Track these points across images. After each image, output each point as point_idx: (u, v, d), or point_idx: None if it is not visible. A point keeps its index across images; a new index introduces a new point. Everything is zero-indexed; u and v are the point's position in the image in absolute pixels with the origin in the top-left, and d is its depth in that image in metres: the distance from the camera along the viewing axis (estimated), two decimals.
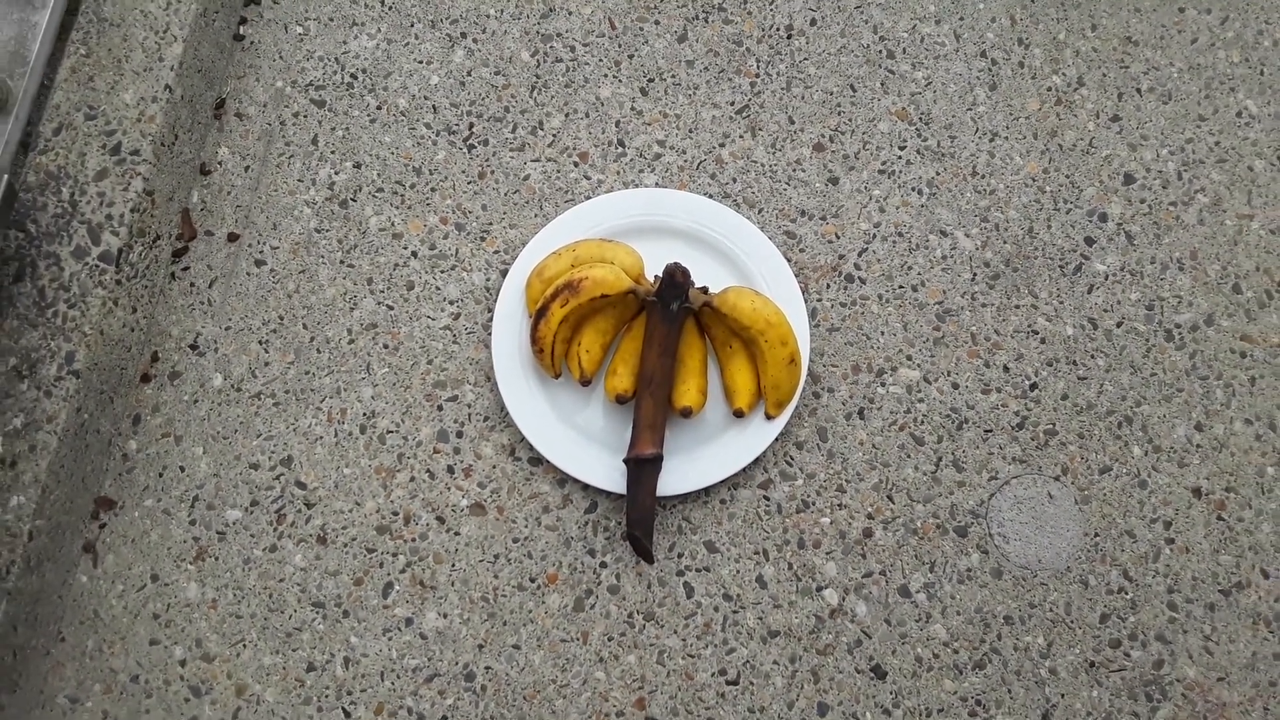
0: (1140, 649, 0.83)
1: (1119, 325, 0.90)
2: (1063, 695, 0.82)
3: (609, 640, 0.83)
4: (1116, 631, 0.83)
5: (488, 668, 0.82)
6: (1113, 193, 0.93)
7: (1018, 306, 0.90)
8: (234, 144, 0.94)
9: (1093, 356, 0.89)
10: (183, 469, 0.86)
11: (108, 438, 0.86)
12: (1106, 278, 0.91)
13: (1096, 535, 0.85)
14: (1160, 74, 0.96)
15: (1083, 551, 0.85)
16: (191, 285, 0.90)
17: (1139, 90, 0.96)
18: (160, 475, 0.86)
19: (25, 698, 0.81)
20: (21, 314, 0.83)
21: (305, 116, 0.94)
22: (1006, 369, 0.89)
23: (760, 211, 0.92)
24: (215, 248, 0.91)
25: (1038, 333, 0.90)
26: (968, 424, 0.87)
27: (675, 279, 0.81)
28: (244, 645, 0.83)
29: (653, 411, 0.82)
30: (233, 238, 0.91)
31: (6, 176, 0.80)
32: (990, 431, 0.87)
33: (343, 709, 0.81)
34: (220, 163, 0.93)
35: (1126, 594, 0.84)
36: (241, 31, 0.96)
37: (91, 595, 0.83)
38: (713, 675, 0.82)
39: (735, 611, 0.84)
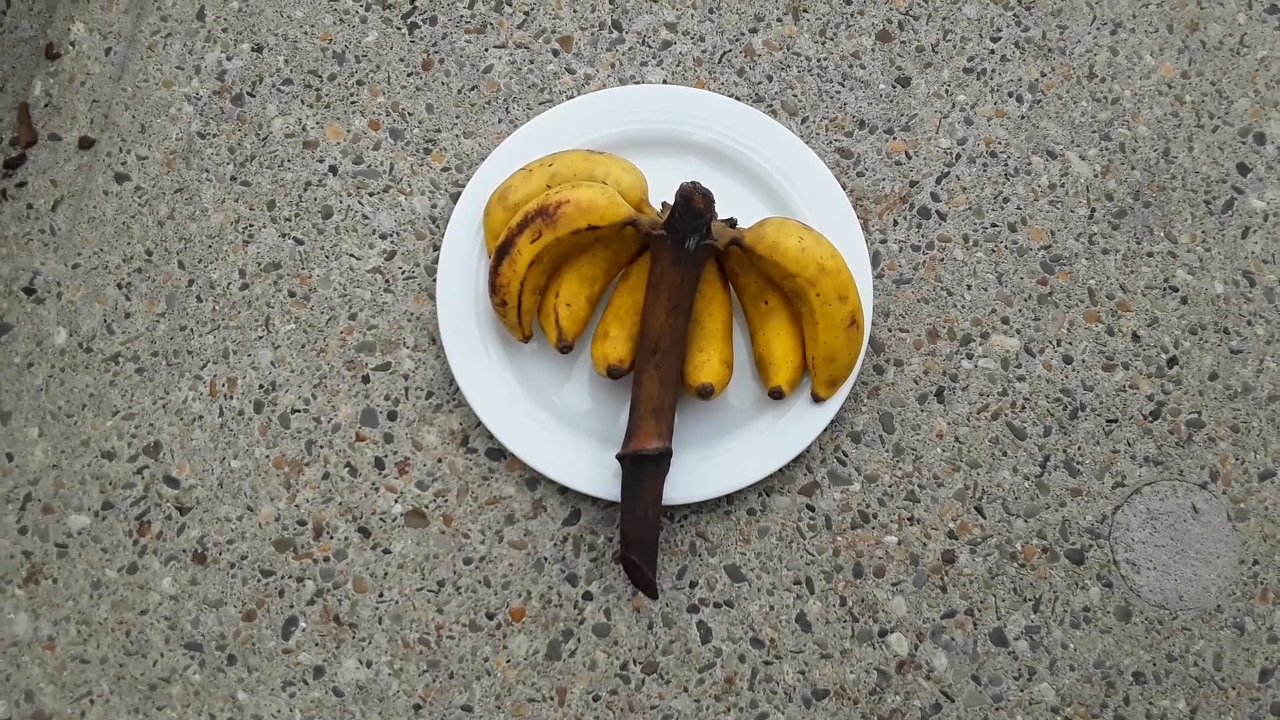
0: None
1: None
2: None
3: (594, 700, 0.63)
4: None
5: None
6: (1272, 106, 0.73)
7: (1150, 254, 0.70)
8: (92, 18, 0.72)
9: (1249, 322, 0.69)
10: (10, 457, 0.65)
11: None
12: (1266, 218, 0.71)
13: (1256, 563, 0.65)
14: None
15: (1238, 585, 0.65)
16: (28, 207, 0.69)
17: None
18: None
19: None
20: None
21: None
22: (1136, 337, 0.68)
23: (805, 121, 0.71)
24: (62, 157, 0.70)
25: (1177, 290, 0.69)
26: (1085, 411, 0.67)
27: (693, 204, 0.60)
28: (92, 700, 0.62)
29: (658, 390, 0.61)
30: (86, 143, 0.70)
31: None
32: (1115, 422, 0.67)
33: None
34: (73, 43, 0.72)
35: None
36: None
37: None
38: None
39: (768, 663, 0.63)
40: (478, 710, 0.63)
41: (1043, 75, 0.73)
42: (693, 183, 0.60)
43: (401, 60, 0.72)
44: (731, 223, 0.64)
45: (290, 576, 0.64)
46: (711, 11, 0.73)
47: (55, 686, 0.63)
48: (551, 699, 0.63)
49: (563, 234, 0.62)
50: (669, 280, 0.62)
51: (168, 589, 0.64)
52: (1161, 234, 0.70)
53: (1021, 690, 0.64)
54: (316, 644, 0.63)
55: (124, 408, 0.66)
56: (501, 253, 0.62)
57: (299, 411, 0.66)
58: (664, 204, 0.65)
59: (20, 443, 0.66)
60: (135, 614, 0.64)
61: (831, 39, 0.73)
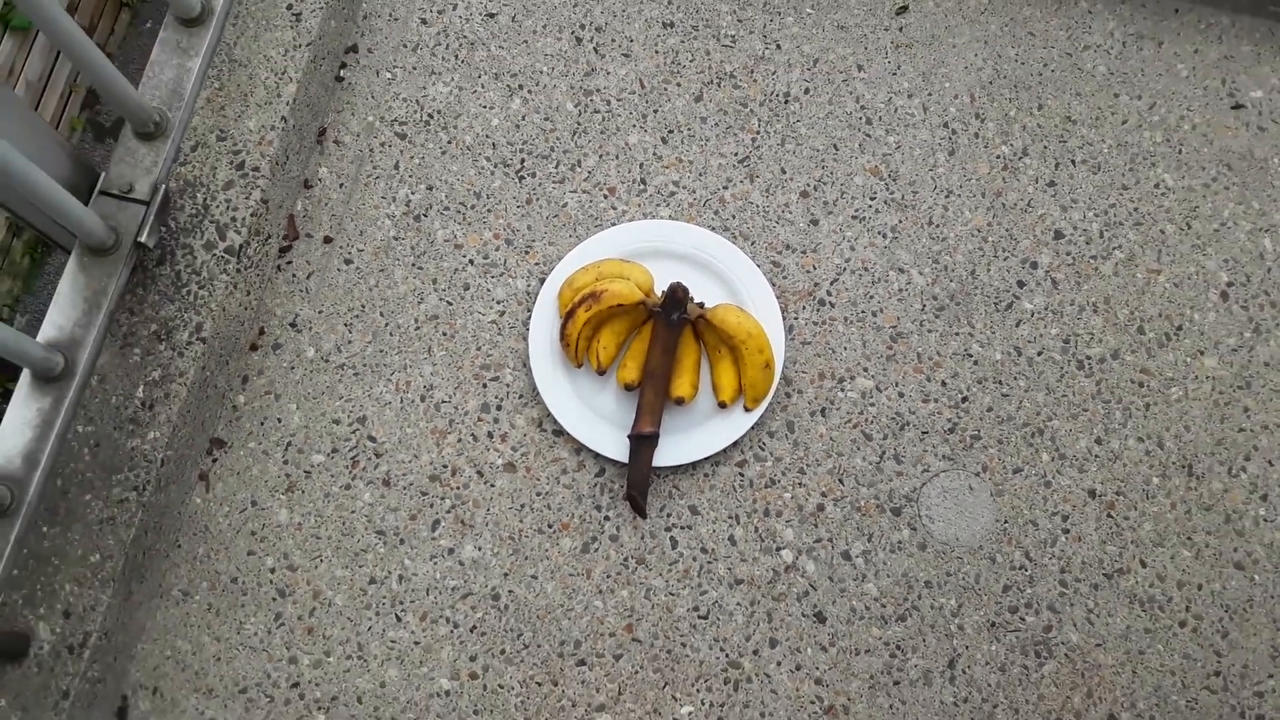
0: (1034, 615, 1.09)
1: (1039, 354, 1.16)
2: (967, 647, 1.08)
3: (607, 577, 1.10)
4: (1015, 600, 1.09)
5: (510, 591, 1.10)
6: (1044, 245, 1.19)
7: (957, 334, 1.17)
8: (332, 165, 1.22)
9: (1015, 378, 1.15)
10: (279, 420, 1.15)
11: (222, 392, 1.15)
12: (1032, 314, 1.17)
13: (1006, 522, 1.11)
14: (1093, 149, 1.22)
15: (993, 534, 1.11)
16: (293, 276, 1.19)
17: (1074, 161, 1.22)
18: (261, 424, 1.14)
19: (149, 588, 1.09)
20: (162, 291, 1.11)
21: (390, 146, 1.23)
22: (944, 384, 1.15)
23: (752, 243, 1.19)
24: (313, 247, 1.20)
25: (971, 356, 1.16)
26: (908, 426, 1.14)
27: (677, 295, 1.08)
28: (321, 560, 1.11)
29: (653, 398, 1.09)
30: (328, 240, 1.20)
31: (165, 186, 1.08)
32: (926, 433, 1.14)
33: (395, 615, 1.09)
34: (320, 179, 1.22)
35: (1026, 571, 1.10)
36: (341, 74, 1.24)
37: (203, 514, 1.12)
38: (688, 610, 1.09)
39: (710, 562, 1.10)
40: (540, 579, 1.10)
41: (900, 222, 1.20)
42: (678, 283, 1.09)
43: (513, 198, 1.21)
44: (700, 305, 1.12)
45: (437, 496, 1.13)
46: (700, 175, 1.22)
47: (301, 552, 1.11)
48: (583, 575, 1.10)
49: (604, 308, 1.10)
50: (662, 336, 1.10)
51: (367, 499, 1.13)
52: (965, 322, 1.17)
53: (857, 586, 1.10)
54: (450, 535, 1.12)
55: (346, 395, 1.15)
56: (568, 317, 1.11)
57: (445, 402, 1.15)
58: (663, 291, 1.13)
59: (286, 412, 1.15)
60: (347, 512, 1.12)
61: (771, 195, 1.21)
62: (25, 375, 1.02)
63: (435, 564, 1.11)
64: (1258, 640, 1.08)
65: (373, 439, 1.14)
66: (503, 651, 1.08)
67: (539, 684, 1.08)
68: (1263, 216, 1.20)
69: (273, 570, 1.11)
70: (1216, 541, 1.11)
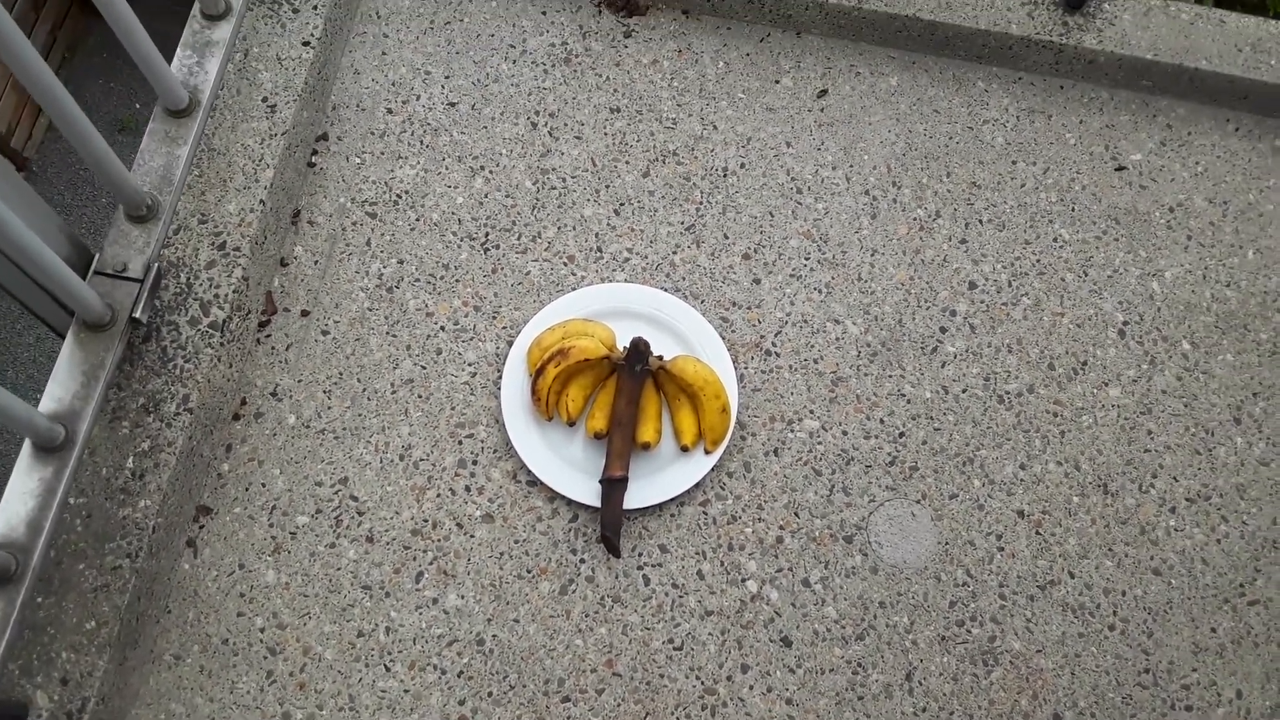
0: (978, 627, 1.20)
1: (964, 391, 1.29)
2: (921, 660, 1.18)
3: (586, 616, 1.18)
4: (961, 614, 1.20)
5: (494, 635, 1.17)
6: (960, 295, 1.34)
7: (890, 376, 1.29)
8: (306, 244, 1.31)
9: (945, 414, 1.28)
10: (264, 485, 1.21)
11: (208, 461, 1.21)
12: (955, 356, 1.31)
13: (946, 544, 1.23)
14: (997, 209, 1.38)
15: (936, 555, 1.22)
16: (273, 348, 1.26)
17: (981, 221, 1.38)
18: (246, 489, 1.20)
19: (141, 654, 1.13)
20: (149, 366, 1.18)
21: (361, 225, 1.32)
22: (882, 421, 1.28)
23: (702, 302, 1.31)
24: (291, 320, 1.28)
25: (905, 395, 1.29)
26: (853, 461, 1.26)
27: (639, 349, 1.19)
28: (309, 617, 1.16)
29: (621, 445, 1.19)
30: (305, 314, 1.28)
31: (157, 265, 1.16)
32: (870, 467, 1.25)
33: (384, 665, 1.15)
34: (296, 258, 1.31)
35: (969, 587, 1.21)
36: (313, 160, 1.34)
37: (192, 579, 1.17)
38: (663, 643, 1.17)
39: (681, 596, 1.19)
40: (522, 622, 1.17)
41: (832, 279, 1.34)
42: (639, 337, 1.20)
43: (480, 268, 1.32)
44: (660, 357, 1.23)
45: (419, 549, 1.20)
46: (651, 243, 1.34)
47: (290, 610, 1.17)
48: (562, 616, 1.18)
49: (571, 363, 1.20)
50: (627, 387, 1.20)
51: (352, 556, 1.19)
52: (897, 365, 1.30)
53: (818, 610, 1.20)
54: (434, 586, 1.18)
55: (327, 458, 1.23)
56: (538, 374, 1.20)
57: (423, 460, 1.23)
58: (624, 347, 1.23)
59: (270, 477, 1.21)
60: (333, 570, 1.18)
61: (717, 258, 1.34)
62: (26, 445, 1.07)
63: (421, 614, 1.17)
64: (1179, 638, 1.21)
65: (355, 498, 1.21)
66: (490, 694, 1.15)
67: None
68: (1149, 263, 1.36)
69: (262, 630, 1.16)
70: (1134, 551, 1.24)
